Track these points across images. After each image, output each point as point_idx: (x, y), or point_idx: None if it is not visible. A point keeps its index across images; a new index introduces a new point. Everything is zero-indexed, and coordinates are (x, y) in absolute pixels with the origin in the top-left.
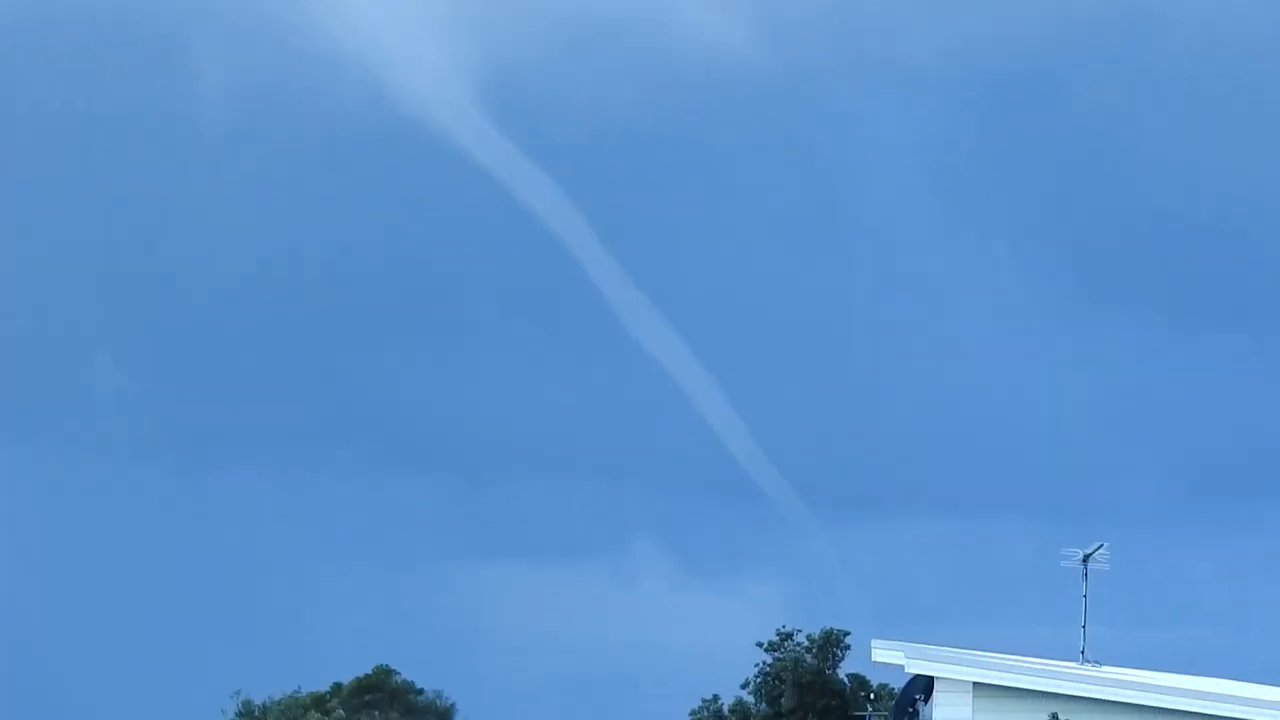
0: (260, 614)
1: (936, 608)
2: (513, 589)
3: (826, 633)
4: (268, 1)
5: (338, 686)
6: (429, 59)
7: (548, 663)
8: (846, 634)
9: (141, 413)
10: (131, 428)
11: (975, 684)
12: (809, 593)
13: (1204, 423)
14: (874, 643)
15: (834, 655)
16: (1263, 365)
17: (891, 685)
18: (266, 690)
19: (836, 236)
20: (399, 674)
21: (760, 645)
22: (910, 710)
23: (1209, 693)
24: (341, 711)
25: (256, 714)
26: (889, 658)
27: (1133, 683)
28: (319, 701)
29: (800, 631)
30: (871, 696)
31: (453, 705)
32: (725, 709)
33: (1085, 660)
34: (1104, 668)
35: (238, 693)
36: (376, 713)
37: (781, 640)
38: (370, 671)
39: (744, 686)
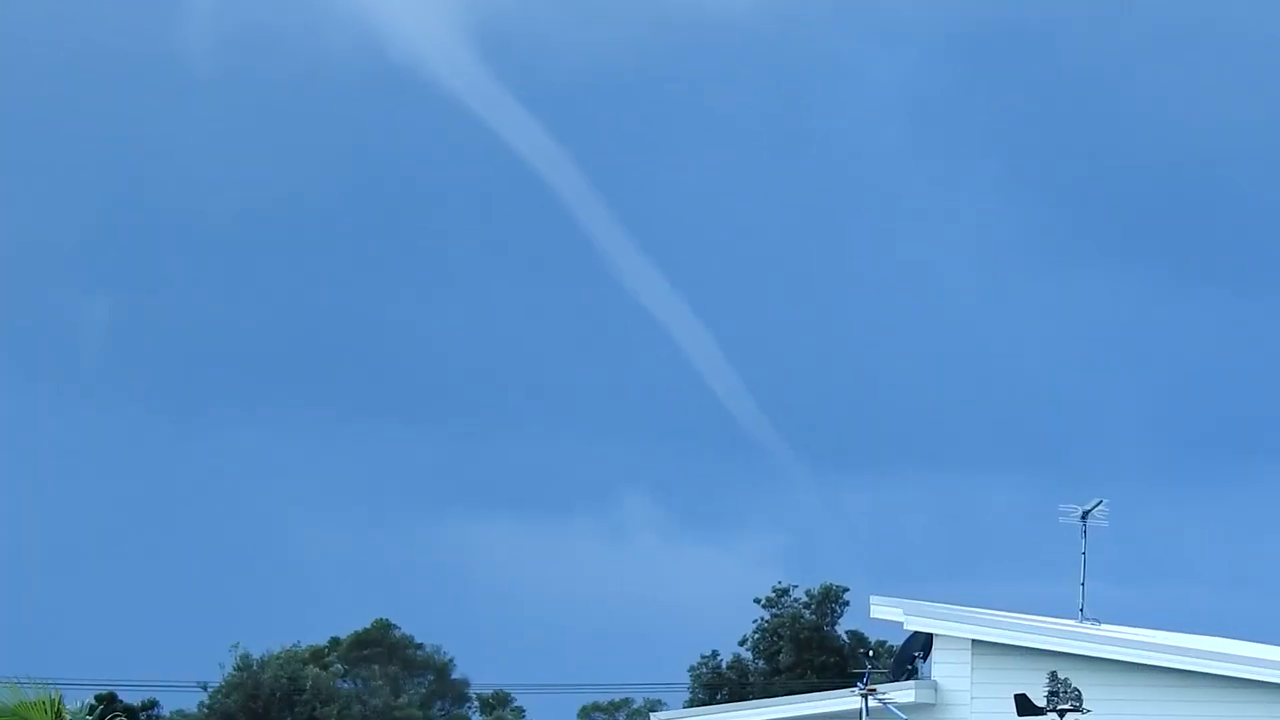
0: (257, 566)
1: (934, 563)
2: (508, 543)
3: (824, 589)
4: None
5: (336, 640)
6: (419, 1)
7: (544, 618)
8: (844, 590)
9: (131, 357)
10: (121, 372)
11: (974, 641)
12: (805, 547)
13: (1203, 377)
14: (872, 599)
15: (832, 611)
16: (1263, 320)
17: (890, 642)
18: (265, 644)
19: (827, 185)
20: (398, 628)
21: (758, 601)
22: (909, 667)
23: (1210, 651)
24: (340, 665)
25: (255, 667)
26: (888, 615)
27: (1133, 641)
28: (317, 655)
29: (798, 587)
30: (870, 653)
31: (451, 660)
32: (724, 665)
33: (1084, 618)
34: (1103, 626)
35: (236, 646)
36: (375, 667)
37: (779, 596)
38: (369, 626)
39: (742, 643)
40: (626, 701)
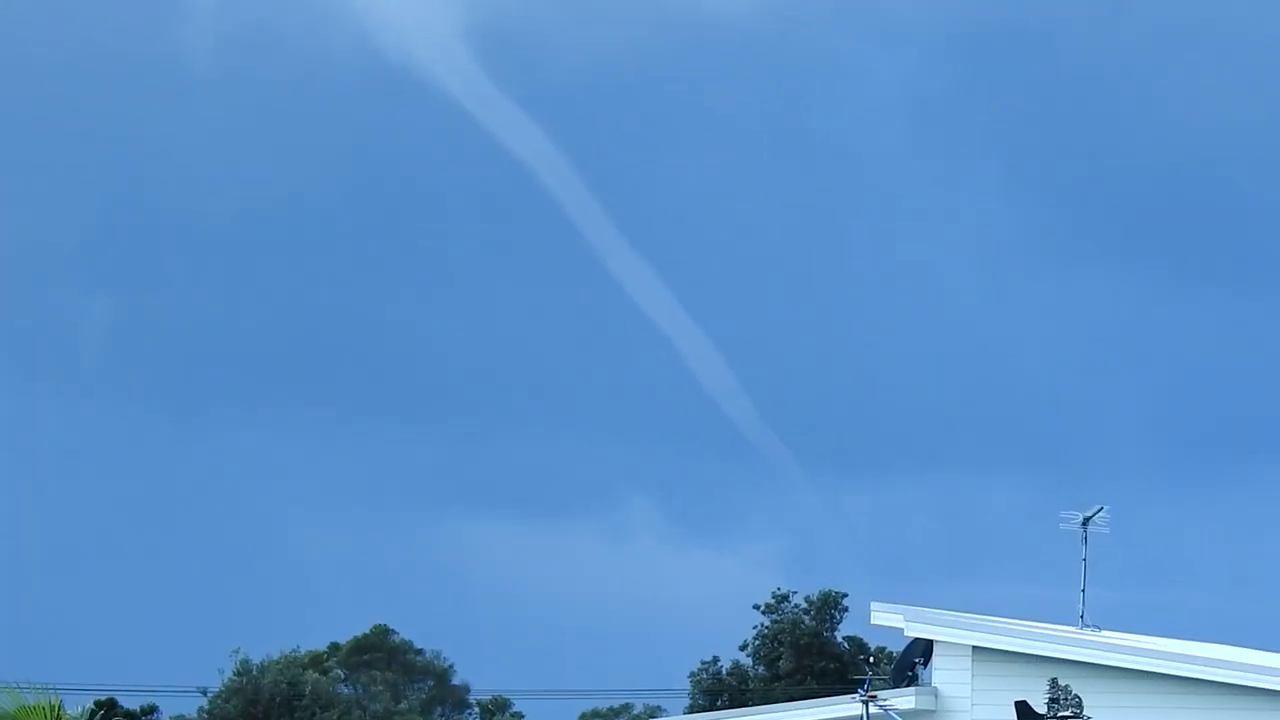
0: (256, 569)
1: (934, 566)
2: (508, 545)
3: (824, 594)
4: None
5: (335, 646)
6: (417, 3)
7: (544, 621)
8: (844, 596)
9: (131, 357)
10: (121, 372)
11: (975, 648)
12: (805, 550)
13: (1204, 377)
14: (873, 605)
15: (832, 617)
16: (1264, 320)
17: (890, 648)
18: (264, 648)
19: (826, 185)
20: (397, 633)
21: (757, 608)
22: (909, 674)
23: (1211, 658)
24: (340, 671)
25: (254, 672)
26: (888, 620)
27: (1134, 648)
28: (317, 660)
29: (797, 593)
30: (870, 659)
31: (451, 666)
32: (724, 671)
33: (1085, 625)
34: (1104, 632)
35: (236, 651)
36: (375, 672)
37: (779, 602)
38: (369, 631)
39: (742, 649)
40: (627, 707)
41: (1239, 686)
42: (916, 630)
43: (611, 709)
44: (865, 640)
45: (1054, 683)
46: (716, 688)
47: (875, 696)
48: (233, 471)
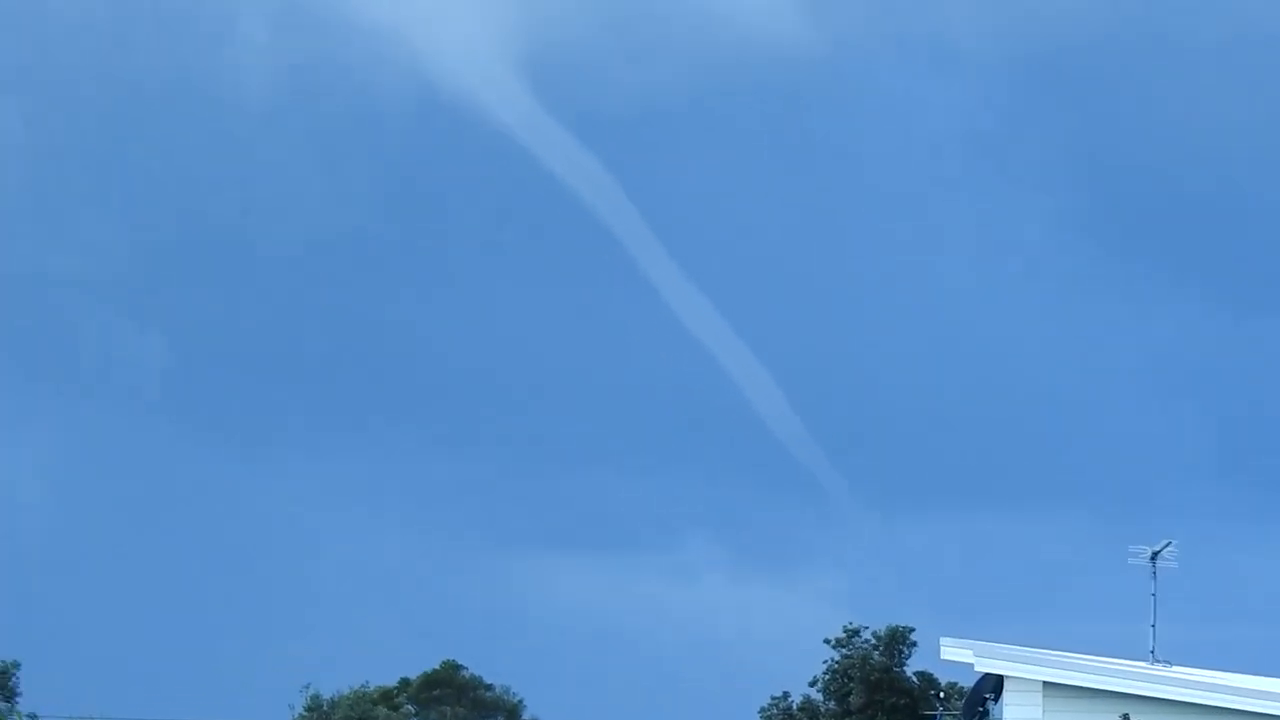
0: (325, 604)
1: (1000, 602)
2: (574, 580)
3: (892, 629)
4: None
5: (405, 681)
6: (469, 33)
7: (613, 657)
8: (912, 630)
9: (188, 386)
10: (178, 402)
11: (1045, 683)
12: (870, 587)
13: (1272, 410)
14: (942, 640)
15: (901, 652)
16: None
17: (960, 683)
18: (334, 684)
19: (876, 209)
20: (466, 669)
21: (827, 642)
22: (980, 709)
23: None
24: (410, 706)
25: (325, 708)
26: (958, 656)
27: (1204, 683)
28: (387, 696)
29: (866, 628)
30: (941, 695)
31: (521, 701)
32: (795, 707)
33: (1155, 660)
34: (1174, 667)
35: (307, 687)
36: (446, 708)
37: (848, 637)
38: (438, 666)
39: (812, 684)
40: None
41: None
42: (987, 665)
43: None
44: (935, 675)
45: (1125, 718)
46: None
47: None
48: (298, 503)
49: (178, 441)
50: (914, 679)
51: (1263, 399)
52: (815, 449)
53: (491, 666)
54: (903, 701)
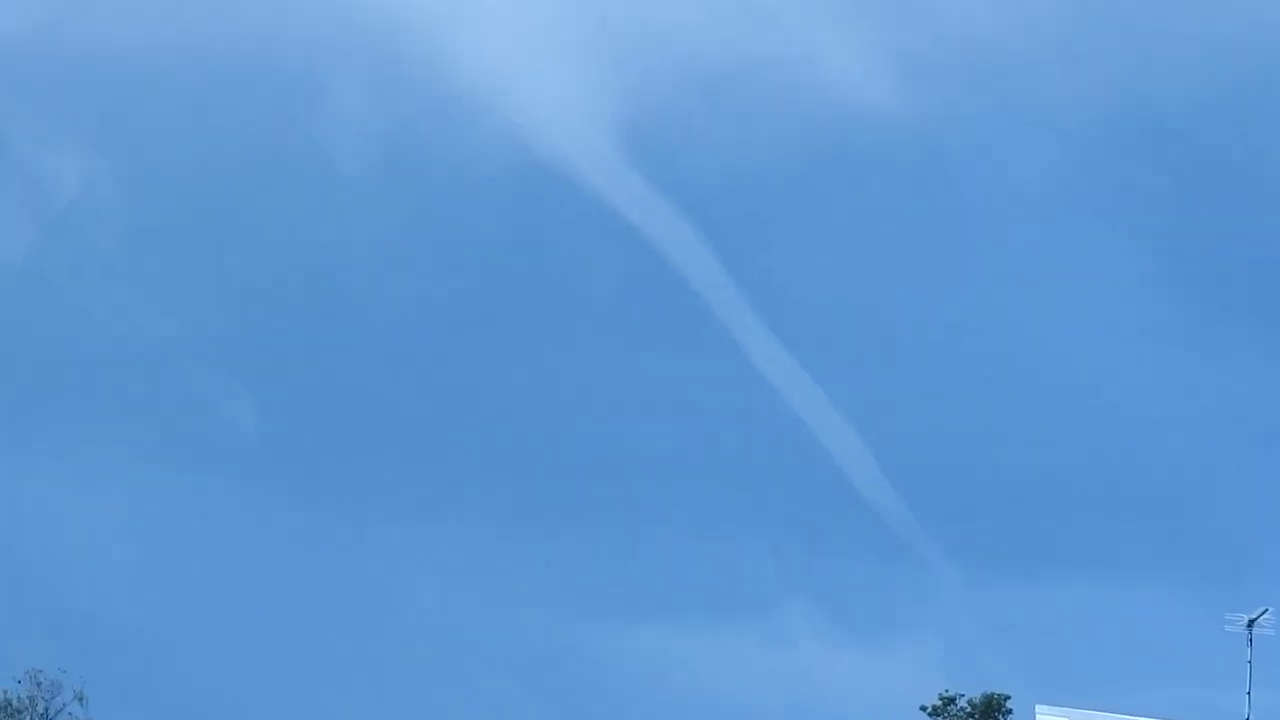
0: (409, 674)
1: (1095, 670)
2: (668, 646)
3: (988, 697)
4: (406, 41)
5: None
6: (564, 98)
7: None
8: (1007, 698)
9: (280, 450)
10: (270, 465)
11: None
12: (965, 654)
13: None
14: (1038, 708)
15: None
16: None
17: None
18: None
19: (976, 276)
20: None
21: (923, 709)
22: None
23: None
24: None
25: None
26: None
27: None
28: None
29: (962, 695)
30: None
31: None
32: None
33: None
34: None
35: None
36: None
37: (944, 704)
38: None
39: None
40: None
41: None
42: None
43: None
44: None
45: None
46: None
47: None
48: (389, 571)
49: (270, 508)
50: None
51: None
52: (909, 514)
53: None
54: None
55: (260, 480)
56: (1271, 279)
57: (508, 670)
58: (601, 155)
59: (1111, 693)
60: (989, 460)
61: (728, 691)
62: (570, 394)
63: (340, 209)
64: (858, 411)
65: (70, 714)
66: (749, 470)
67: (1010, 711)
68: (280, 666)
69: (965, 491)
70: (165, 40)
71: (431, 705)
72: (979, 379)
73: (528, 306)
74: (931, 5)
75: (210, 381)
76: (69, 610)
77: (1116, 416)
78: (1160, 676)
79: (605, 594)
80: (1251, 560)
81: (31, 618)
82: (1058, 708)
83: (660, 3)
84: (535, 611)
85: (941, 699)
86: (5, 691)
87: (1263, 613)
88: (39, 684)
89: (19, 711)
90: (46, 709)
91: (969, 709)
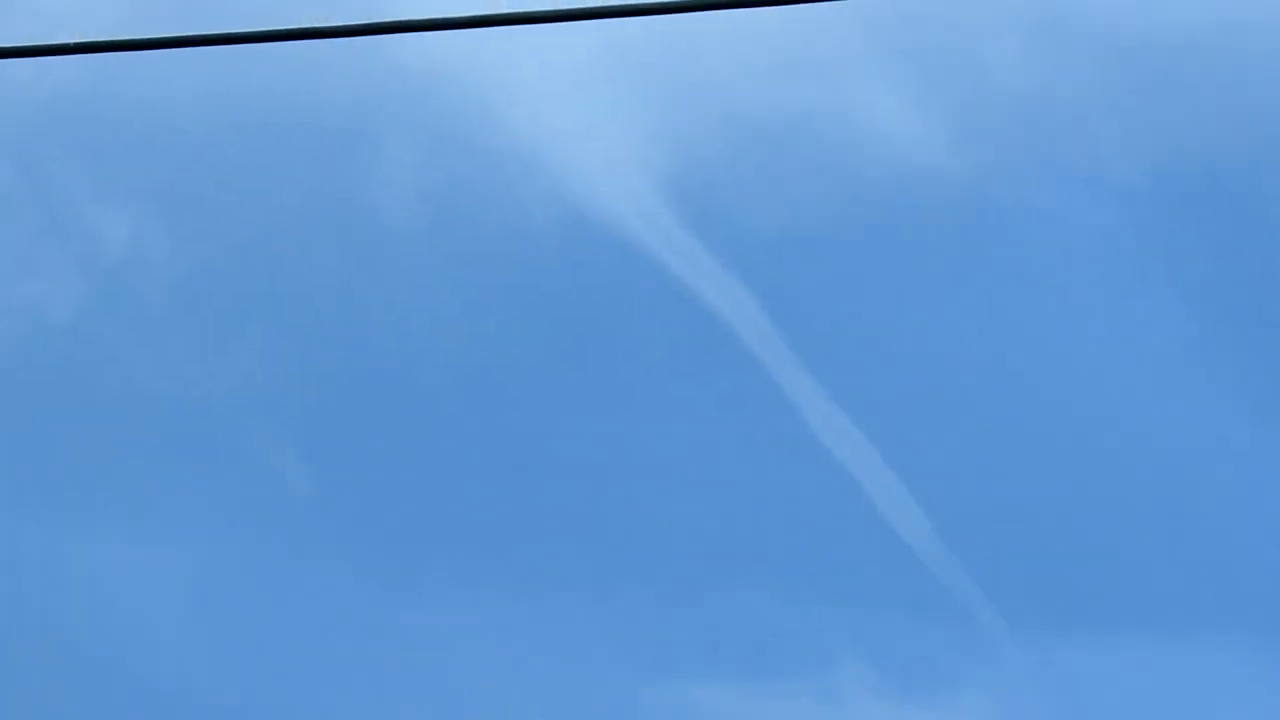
0: None
1: None
2: (720, 708)
3: None
4: (452, 96)
5: None
6: (611, 150)
7: None
8: None
9: (331, 511)
10: (321, 527)
11: None
12: (1022, 716)
13: None
14: None
15: None
16: None
17: None
18: None
19: (1029, 331)
20: None
21: None
22: None
23: None
24: None
25: None
26: None
27: None
28: None
29: None
30: None
31: None
32: None
33: None
34: None
35: None
36: None
37: None
38: None
39: None
40: None
41: None
42: None
43: None
44: None
45: None
46: None
47: None
48: (444, 636)
49: (323, 571)
50: None
51: None
52: (964, 573)
53: None
54: None
55: (313, 541)
56: None
57: None
58: (651, 212)
59: None
60: (1039, 511)
61: None
62: (621, 453)
63: (389, 267)
64: (912, 469)
65: None
66: (798, 527)
67: None
68: None
69: (1025, 550)
70: (215, 97)
71: None
72: (1034, 435)
73: (575, 363)
74: (982, 60)
75: (262, 441)
76: (123, 673)
77: (1176, 478)
78: None
79: (660, 654)
80: None
81: (82, 683)
82: None
83: (709, 58)
84: (592, 671)
85: None
86: None
87: None
88: None
89: None
90: None
91: None
